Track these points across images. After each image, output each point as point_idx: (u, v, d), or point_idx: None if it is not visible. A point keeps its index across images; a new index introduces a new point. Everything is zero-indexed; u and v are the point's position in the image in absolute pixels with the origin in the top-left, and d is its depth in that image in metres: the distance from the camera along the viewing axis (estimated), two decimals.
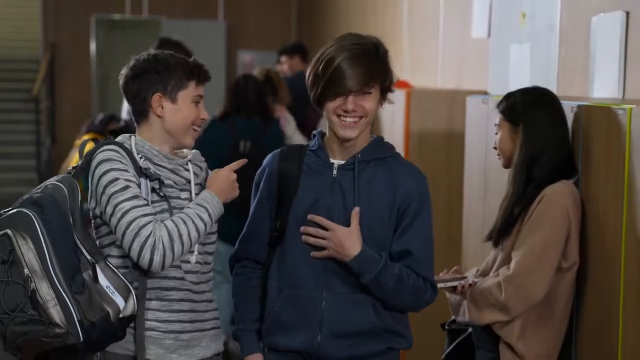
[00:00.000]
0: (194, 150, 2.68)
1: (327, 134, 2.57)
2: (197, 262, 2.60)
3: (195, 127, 2.63)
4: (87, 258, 2.45)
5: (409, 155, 4.58)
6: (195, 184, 2.62)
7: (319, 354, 2.53)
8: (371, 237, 2.50)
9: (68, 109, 12.98)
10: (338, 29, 9.93)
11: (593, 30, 3.69)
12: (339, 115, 2.46)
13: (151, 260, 2.44)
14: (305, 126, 6.39)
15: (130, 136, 2.62)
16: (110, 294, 2.44)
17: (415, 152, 4.64)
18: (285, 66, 7.29)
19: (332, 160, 2.55)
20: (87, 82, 13.20)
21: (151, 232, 2.44)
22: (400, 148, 4.81)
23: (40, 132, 12.67)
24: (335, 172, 2.53)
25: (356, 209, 2.48)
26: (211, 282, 2.72)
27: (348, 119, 2.46)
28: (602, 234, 2.71)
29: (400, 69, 6.31)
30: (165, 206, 2.54)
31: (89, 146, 2.62)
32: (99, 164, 2.50)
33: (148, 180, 2.54)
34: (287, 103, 6.14)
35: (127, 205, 2.45)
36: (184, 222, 2.49)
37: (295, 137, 6.27)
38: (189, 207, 2.53)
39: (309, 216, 2.51)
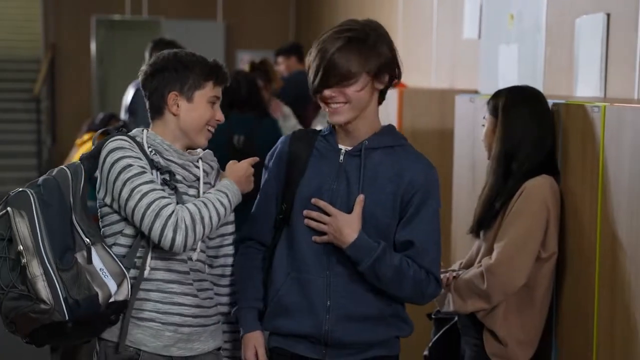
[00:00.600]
0: (206, 150, 2.70)
1: None
2: (198, 260, 2.61)
3: (209, 128, 2.63)
4: (83, 239, 2.47)
5: None
6: (205, 183, 2.64)
7: (327, 339, 2.52)
8: (373, 225, 2.48)
9: (68, 108, 12.95)
10: (333, 26, 10.04)
11: (577, 31, 3.81)
12: (325, 103, 2.50)
13: (173, 239, 2.45)
14: (305, 125, 6.42)
15: (142, 130, 2.63)
16: (102, 276, 2.46)
17: None
18: (282, 67, 7.34)
19: (340, 146, 2.55)
20: (87, 82, 13.16)
21: (173, 211, 2.45)
22: None
23: (41, 131, 12.66)
24: (341, 157, 2.53)
25: (360, 197, 2.47)
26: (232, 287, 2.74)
27: (332, 105, 2.49)
28: (579, 227, 2.82)
29: None
30: (175, 199, 2.55)
31: (101, 137, 2.64)
32: (110, 152, 2.52)
33: (159, 173, 2.56)
34: (280, 86, 6.15)
35: (145, 188, 2.47)
36: (205, 205, 2.51)
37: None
38: (209, 192, 2.56)
39: (313, 200, 2.51)
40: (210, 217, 2.51)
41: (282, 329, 2.58)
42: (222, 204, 2.55)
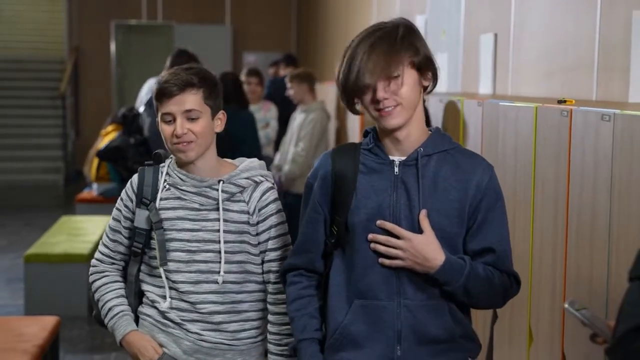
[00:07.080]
0: (244, 165, 2.64)
1: (378, 130, 2.32)
2: (225, 282, 2.58)
3: (177, 144, 2.52)
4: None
5: None
6: (225, 201, 2.57)
7: None
8: (440, 236, 2.23)
9: (90, 105, 13.73)
10: (327, 29, 10.85)
11: (479, 45, 5.01)
12: (375, 108, 2.23)
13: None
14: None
15: (167, 161, 2.65)
16: None
17: None
18: (273, 73, 8.96)
19: (392, 158, 2.28)
20: (107, 80, 13.92)
21: (94, 266, 2.72)
22: (356, 139, 5.96)
23: (66, 125, 13.43)
24: (397, 169, 2.26)
25: (423, 212, 2.22)
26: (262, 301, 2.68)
27: (385, 109, 2.22)
28: None
29: None
30: (159, 237, 2.57)
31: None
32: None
33: (147, 209, 2.60)
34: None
35: (107, 230, 2.72)
36: (102, 297, 2.68)
37: (272, 123, 7.44)
38: (110, 301, 2.66)
39: (378, 222, 2.24)
40: (97, 300, 2.69)
41: None
42: (107, 312, 2.66)
